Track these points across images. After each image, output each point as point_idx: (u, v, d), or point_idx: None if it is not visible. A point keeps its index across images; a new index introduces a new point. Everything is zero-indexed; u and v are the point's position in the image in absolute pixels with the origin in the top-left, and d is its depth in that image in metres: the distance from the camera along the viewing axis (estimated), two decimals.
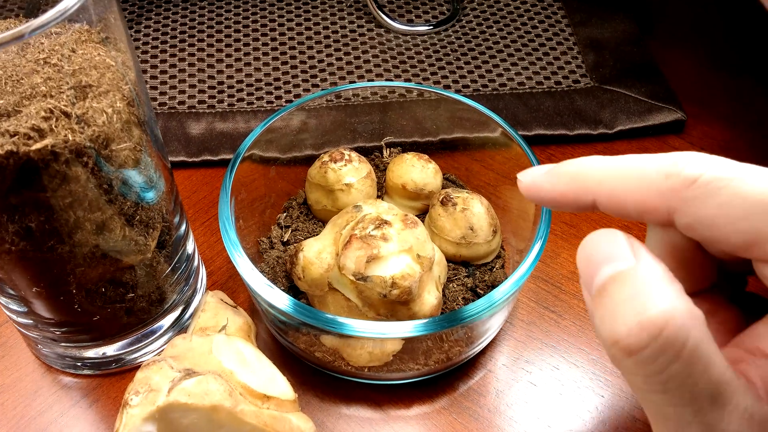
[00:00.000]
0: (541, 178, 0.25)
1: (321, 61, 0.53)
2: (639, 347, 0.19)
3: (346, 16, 0.57)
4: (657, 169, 0.22)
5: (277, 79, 0.52)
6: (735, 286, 0.25)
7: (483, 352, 0.37)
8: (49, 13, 0.21)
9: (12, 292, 0.31)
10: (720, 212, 0.21)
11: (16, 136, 0.23)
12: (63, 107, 0.24)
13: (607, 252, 0.21)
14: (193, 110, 0.50)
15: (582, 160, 0.24)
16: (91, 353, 0.35)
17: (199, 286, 0.39)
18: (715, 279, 0.24)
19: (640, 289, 0.20)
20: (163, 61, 0.53)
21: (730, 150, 0.49)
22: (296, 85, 0.51)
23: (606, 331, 0.20)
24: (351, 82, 0.52)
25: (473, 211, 0.37)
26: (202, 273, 0.40)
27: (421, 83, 0.51)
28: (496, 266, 0.39)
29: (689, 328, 0.19)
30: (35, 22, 0.21)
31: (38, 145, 0.24)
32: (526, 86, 0.51)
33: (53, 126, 0.24)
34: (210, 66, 0.53)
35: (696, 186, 0.21)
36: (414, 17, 0.57)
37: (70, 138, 0.24)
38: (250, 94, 0.51)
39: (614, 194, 0.23)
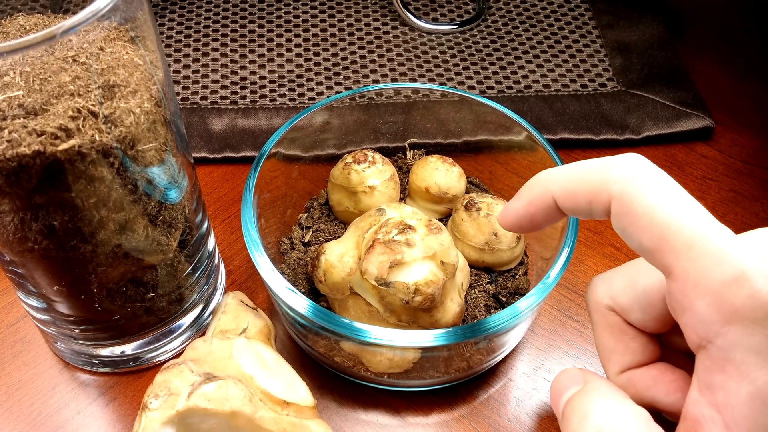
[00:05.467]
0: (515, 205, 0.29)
1: (344, 58, 0.53)
2: None
3: (370, 13, 0.57)
4: (601, 164, 0.25)
5: (300, 77, 0.51)
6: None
7: (503, 360, 0.37)
8: (81, 14, 0.21)
9: (33, 289, 0.30)
10: (645, 211, 0.23)
11: (43, 136, 0.23)
12: (91, 107, 0.24)
13: (565, 383, 0.27)
14: (216, 106, 0.49)
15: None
16: (109, 351, 0.35)
17: (218, 285, 0.39)
18: (659, 355, 0.28)
19: (588, 410, 0.25)
20: (186, 56, 0.53)
21: (759, 159, 0.48)
22: (319, 83, 0.51)
23: None
24: (374, 81, 0.51)
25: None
26: (222, 272, 0.40)
27: (445, 83, 0.51)
28: (519, 273, 0.38)
29: None
30: (66, 23, 0.20)
31: (65, 146, 0.23)
32: (552, 89, 0.50)
33: (80, 126, 0.24)
34: (233, 62, 0.52)
35: (631, 182, 0.24)
36: (439, 16, 0.57)
37: (97, 138, 0.24)
38: (272, 90, 0.50)
39: (568, 188, 0.26)
